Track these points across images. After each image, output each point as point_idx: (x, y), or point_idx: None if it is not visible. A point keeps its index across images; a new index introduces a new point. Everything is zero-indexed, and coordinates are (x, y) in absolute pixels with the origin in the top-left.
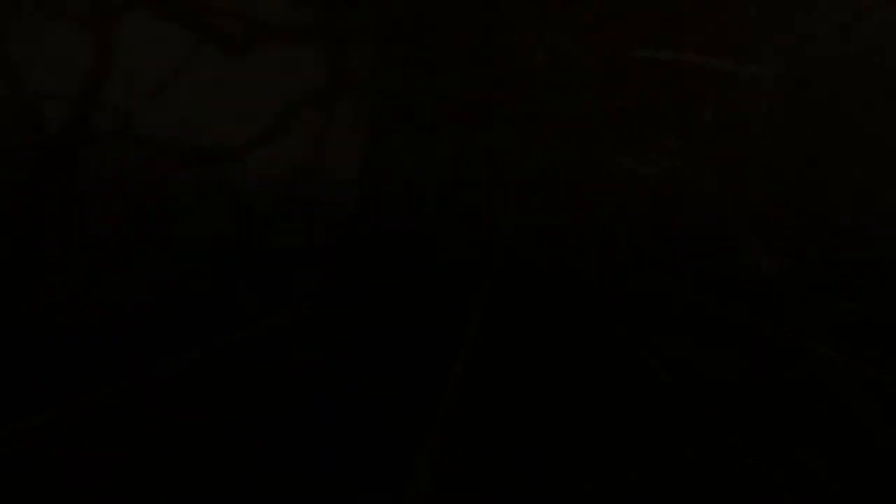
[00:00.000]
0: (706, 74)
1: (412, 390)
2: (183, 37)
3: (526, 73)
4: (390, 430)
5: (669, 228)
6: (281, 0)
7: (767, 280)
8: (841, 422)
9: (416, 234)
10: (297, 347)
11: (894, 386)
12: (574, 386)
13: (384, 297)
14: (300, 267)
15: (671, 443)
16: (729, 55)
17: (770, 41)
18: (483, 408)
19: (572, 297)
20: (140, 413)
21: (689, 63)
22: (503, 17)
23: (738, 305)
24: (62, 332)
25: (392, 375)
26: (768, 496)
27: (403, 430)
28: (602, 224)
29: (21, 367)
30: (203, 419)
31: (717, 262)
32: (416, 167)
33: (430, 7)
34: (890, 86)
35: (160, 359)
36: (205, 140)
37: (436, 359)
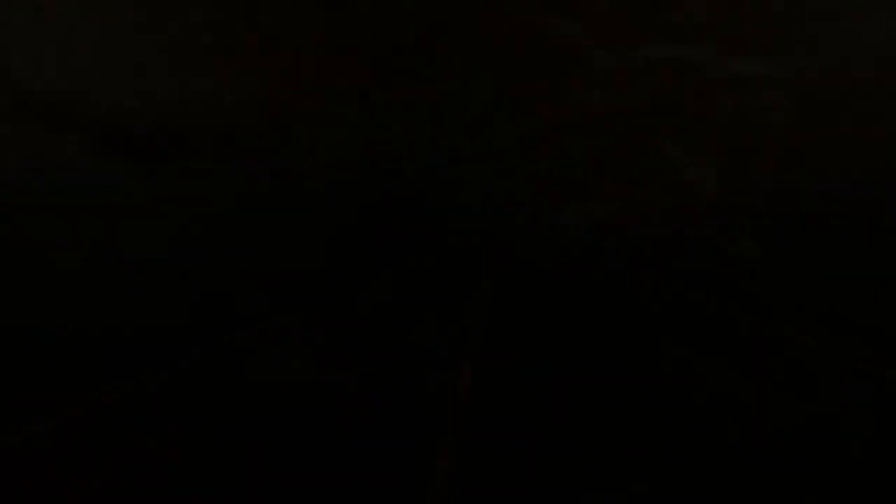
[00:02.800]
0: (715, 75)
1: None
2: None
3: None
4: (402, 423)
5: (666, 226)
6: None
7: (762, 278)
8: (837, 419)
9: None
10: (302, 343)
11: (885, 379)
12: (577, 384)
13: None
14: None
15: (674, 444)
16: (739, 57)
17: (780, 44)
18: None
19: (568, 294)
20: (143, 413)
21: (698, 63)
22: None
23: (732, 303)
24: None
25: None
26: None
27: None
28: (598, 222)
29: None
30: (205, 419)
31: (711, 258)
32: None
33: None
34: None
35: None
36: (138, 125)
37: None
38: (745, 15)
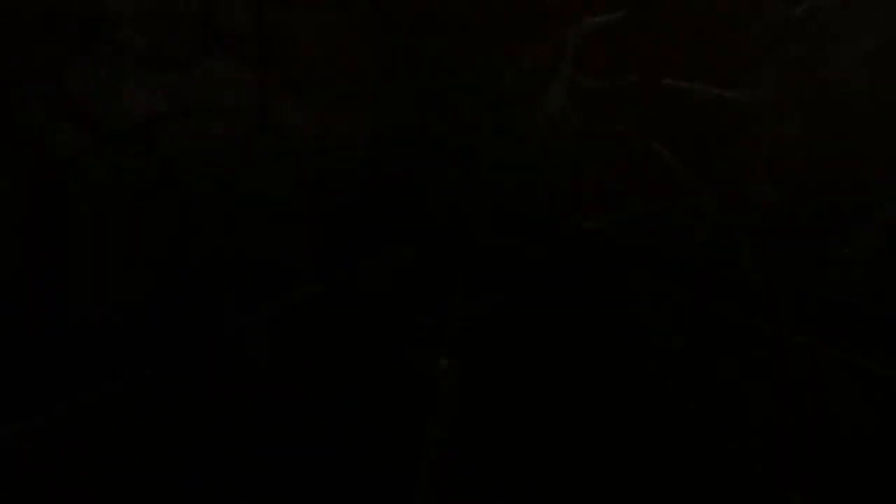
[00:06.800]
0: (694, 99)
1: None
2: None
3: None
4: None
5: (665, 244)
6: None
7: (757, 283)
8: (837, 419)
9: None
10: (303, 334)
11: (885, 379)
12: (566, 379)
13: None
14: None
15: (666, 440)
16: (717, 80)
17: (760, 67)
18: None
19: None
20: (140, 412)
21: (677, 88)
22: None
23: (729, 304)
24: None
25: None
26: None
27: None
28: (606, 236)
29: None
30: (204, 416)
31: (709, 266)
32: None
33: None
34: (884, 105)
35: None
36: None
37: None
38: (728, 42)
